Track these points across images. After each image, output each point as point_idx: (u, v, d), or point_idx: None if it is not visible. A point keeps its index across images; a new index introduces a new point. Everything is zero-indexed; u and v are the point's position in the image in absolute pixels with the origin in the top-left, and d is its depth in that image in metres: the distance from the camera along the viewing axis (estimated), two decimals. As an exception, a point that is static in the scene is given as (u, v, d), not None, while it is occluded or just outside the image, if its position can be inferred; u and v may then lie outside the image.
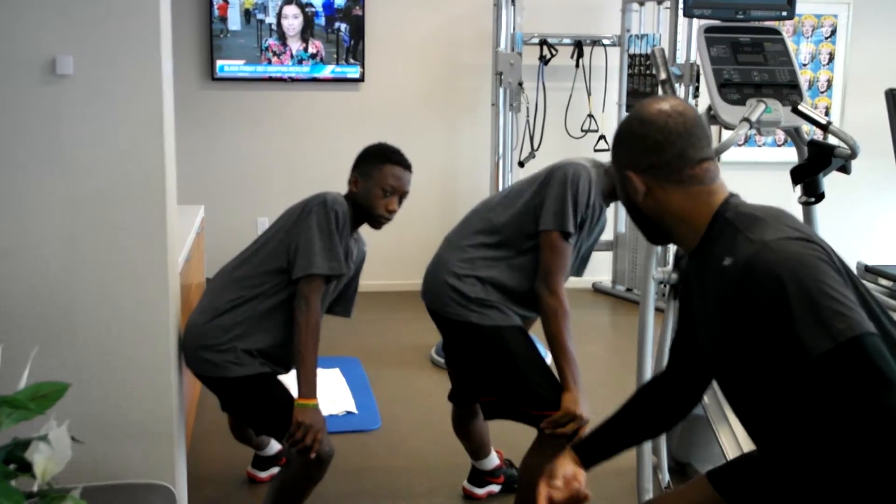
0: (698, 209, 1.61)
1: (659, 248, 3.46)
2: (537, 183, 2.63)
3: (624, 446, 1.89)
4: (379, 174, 2.65)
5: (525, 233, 2.60)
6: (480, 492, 3.09)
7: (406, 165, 2.71)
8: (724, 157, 5.72)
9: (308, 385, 2.50)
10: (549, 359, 2.60)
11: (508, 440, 3.10)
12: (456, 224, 2.84)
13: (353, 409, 3.82)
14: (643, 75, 5.53)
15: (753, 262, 1.45)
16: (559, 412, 2.48)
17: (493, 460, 3.09)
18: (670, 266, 2.95)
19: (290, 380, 2.66)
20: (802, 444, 1.50)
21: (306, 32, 5.73)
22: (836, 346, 1.36)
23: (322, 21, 5.74)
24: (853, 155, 2.76)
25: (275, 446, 3.19)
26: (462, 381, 2.86)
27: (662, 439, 2.98)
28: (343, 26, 5.77)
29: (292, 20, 5.70)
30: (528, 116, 5.44)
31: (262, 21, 5.67)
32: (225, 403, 2.74)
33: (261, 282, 2.61)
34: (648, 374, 2.91)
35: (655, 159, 1.61)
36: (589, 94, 5.81)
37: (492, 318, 2.58)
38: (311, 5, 5.69)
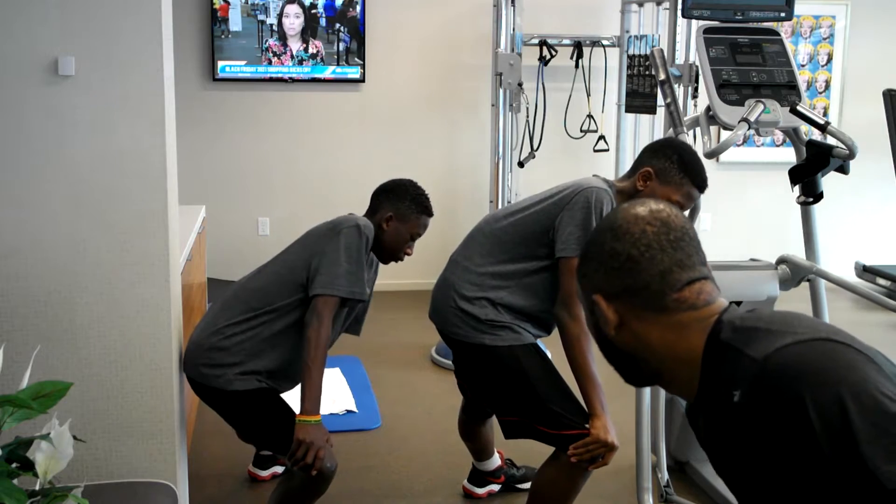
0: (689, 340, 1.20)
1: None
2: (548, 202, 2.57)
3: None
4: (416, 222, 2.73)
5: (534, 253, 2.56)
6: (481, 491, 3.10)
7: (433, 214, 2.80)
8: (724, 157, 5.75)
9: (312, 401, 2.45)
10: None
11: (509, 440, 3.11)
12: (461, 228, 2.82)
13: (354, 409, 3.83)
14: (642, 76, 5.53)
15: (760, 385, 1.08)
16: (589, 439, 2.44)
17: (495, 461, 3.10)
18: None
19: (291, 395, 2.64)
20: None
21: (307, 33, 5.74)
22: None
23: (323, 21, 5.75)
24: (851, 155, 2.76)
25: (275, 445, 3.20)
26: (477, 400, 2.86)
27: (661, 438, 2.99)
28: (343, 27, 5.78)
29: (293, 19, 5.71)
30: (527, 117, 5.45)
31: (262, 21, 5.68)
32: (223, 416, 2.71)
33: (275, 295, 2.58)
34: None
35: (631, 281, 1.24)
36: (588, 95, 5.81)
37: (504, 338, 2.54)
38: (314, 6, 5.70)
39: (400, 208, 2.72)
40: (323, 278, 2.51)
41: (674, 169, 2.51)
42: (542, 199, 2.61)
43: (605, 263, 1.26)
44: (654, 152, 2.57)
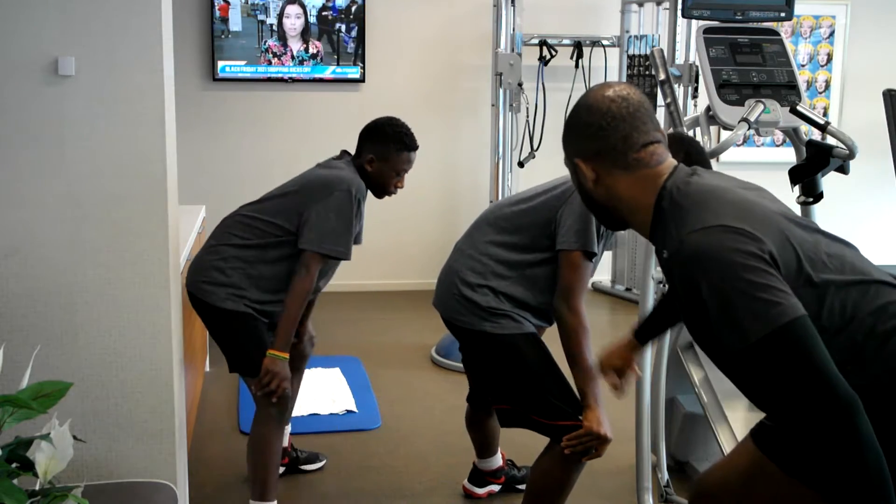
0: (646, 195, 1.61)
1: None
2: (550, 195, 2.58)
3: (668, 327, 2.25)
4: (396, 160, 2.88)
5: (537, 244, 2.57)
6: (481, 491, 3.10)
7: (417, 147, 2.94)
8: (724, 157, 5.75)
9: (283, 340, 2.68)
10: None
11: (509, 440, 3.11)
12: (461, 228, 2.83)
13: (354, 409, 3.83)
14: (642, 76, 5.54)
15: (673, 261, 1.51)
16: (582, 431, 2.46)
17: (497, 461, 3.09)
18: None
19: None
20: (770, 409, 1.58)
21: (307, 33, 5.74)
22: (748, 346, 1.41)
23: (323, 22, 5.75)
24: (851, 155, 2.77)
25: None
26: (479, 386, 2.87)
27: (661, 438, 2.99)
28: (343, 27, 5.78)
29: (294, 20, 5.71)
30: (527, 117, 5.45)
31: (262, 22, 5.68)
32: (211, 333, 2.86)
33: (266, 231, 2.75)
34: (648, 373, 2.92)
35: (601, 145, 1.62)
36: (589, 95, 5.81)
37: (505, 326, 2.55)
38: (326, 7, 5.70)
39: (380, 150, 2.89)
40: (312, 235, 2.70)
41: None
42: (545, 191, 2.63)
43: (581, 133, 1.66)
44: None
